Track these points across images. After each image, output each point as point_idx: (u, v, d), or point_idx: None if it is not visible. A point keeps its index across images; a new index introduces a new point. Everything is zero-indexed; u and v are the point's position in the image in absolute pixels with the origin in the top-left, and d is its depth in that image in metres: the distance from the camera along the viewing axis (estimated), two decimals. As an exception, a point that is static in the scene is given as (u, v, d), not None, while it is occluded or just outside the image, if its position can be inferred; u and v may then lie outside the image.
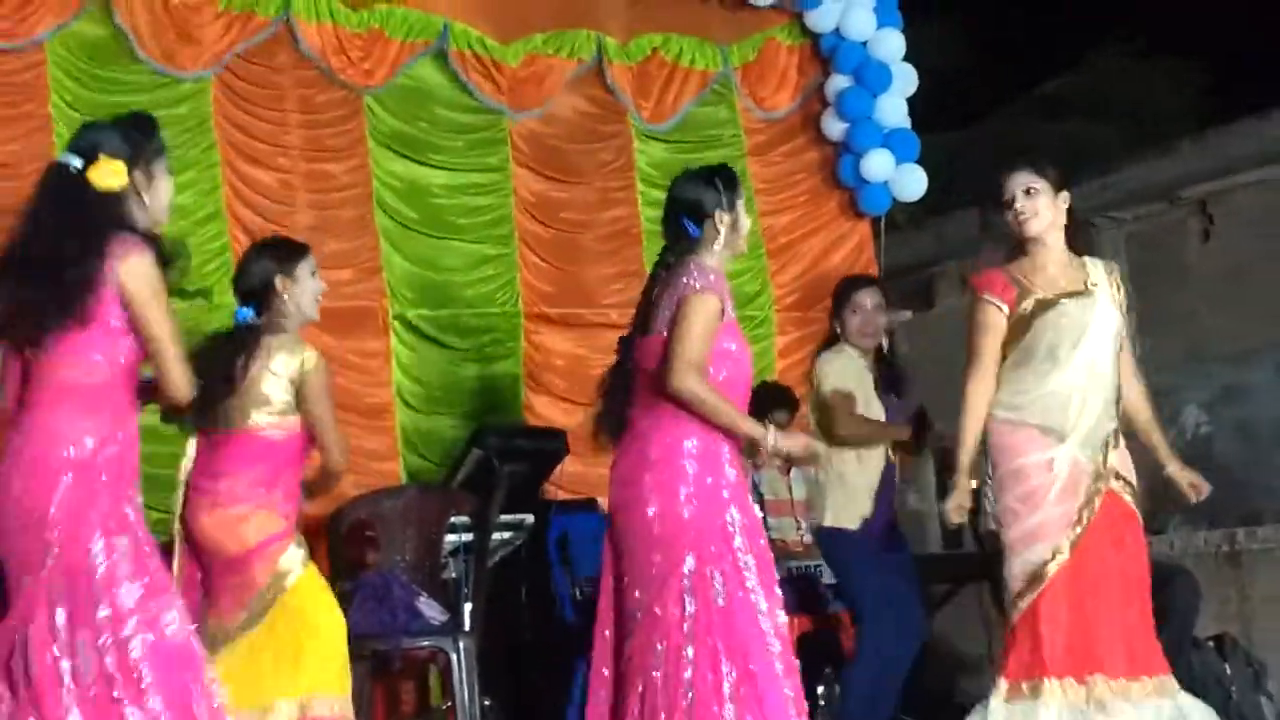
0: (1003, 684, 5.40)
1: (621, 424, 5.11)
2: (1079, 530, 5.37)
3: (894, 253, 9.88)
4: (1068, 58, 16.17)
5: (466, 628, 6.35)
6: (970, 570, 7.56)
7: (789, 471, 7.74)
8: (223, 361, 5.16)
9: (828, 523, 6.45)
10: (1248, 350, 9.28)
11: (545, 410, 8.32)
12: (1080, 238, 5.70)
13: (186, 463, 5.22)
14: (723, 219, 5.13)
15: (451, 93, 8.50)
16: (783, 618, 4.94)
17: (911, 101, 9.38)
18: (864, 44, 9.25)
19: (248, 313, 5.33)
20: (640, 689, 4.88)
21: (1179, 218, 10.02)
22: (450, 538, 6.74)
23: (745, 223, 5.22)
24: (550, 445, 7.47)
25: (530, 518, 7.12)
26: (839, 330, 6.61)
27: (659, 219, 5.36)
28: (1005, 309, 5.51)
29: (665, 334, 4.99)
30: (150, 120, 4.53)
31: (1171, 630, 5.68)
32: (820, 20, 9.28)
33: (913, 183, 9.25)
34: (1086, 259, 5.63)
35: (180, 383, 4.28)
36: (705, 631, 4.82)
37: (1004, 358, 5.54)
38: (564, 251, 8.69)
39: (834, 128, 9.31)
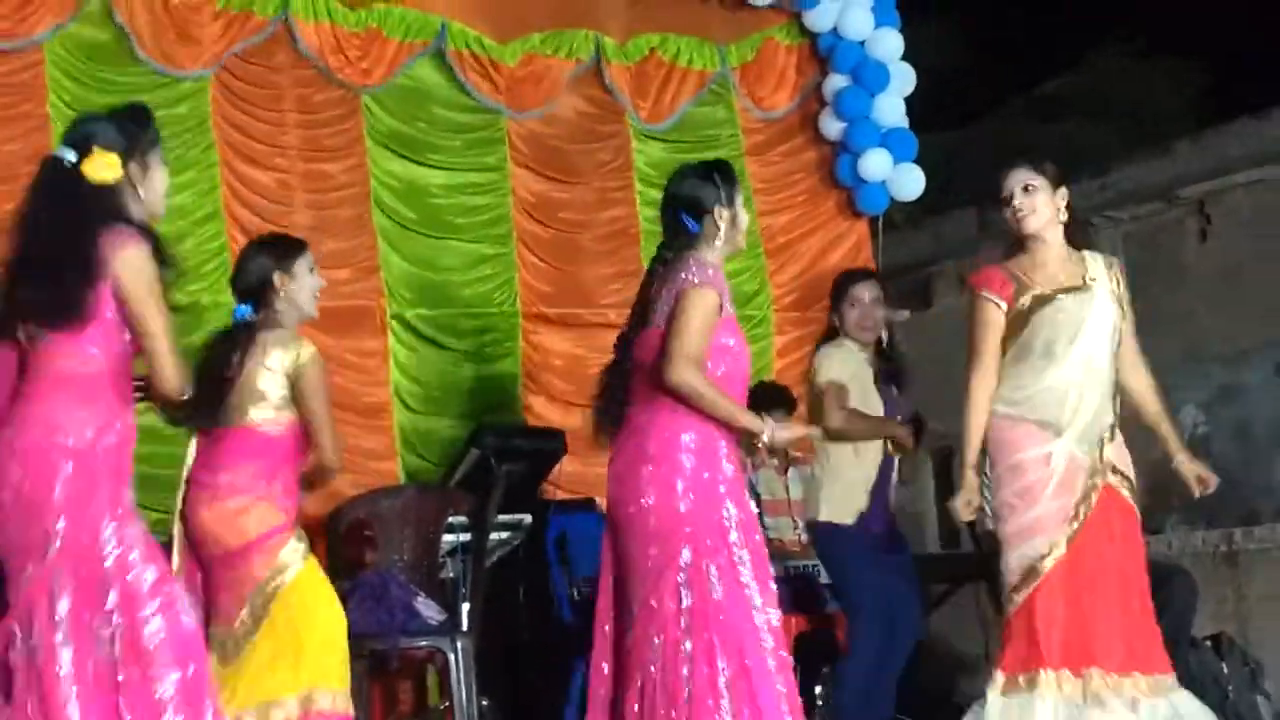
0: (999, 677, 5.43)
1: (620, 420, 5.12)
2: (1076, 526, 5.39)
3: (892, 252, 9.89)
4: (1066, 58, 16.18)
5: (464, 627, 6.36)
6: (968, 570, 7.57)
7: (786, 471, 7.75)
8: (220, 360, 5.17)
9: (823, 517, 6.44)
10: (1245, 350, 9.29)
11: (543, 410, 8.32)
12: (1080, 233, 5.72)
13: (188, 460, 5.22)
14: (722, 215, 5.14)
15: (449, 92, 8.51)
16: (777, 614, 4.96)
17: (909, 101, 9.39)
18: (862, 44, 9.25)
19: (246, 310, 5.34)
20: (639, 683, 4.89)
21: (1176, 218, 10.02)
22: (448, 537, 6.75)
23: (744, 218, 5.22)
24: (548, 445, 7.47)
25: (528, 517, 7.12)
26: (838, 324, 6.61)
27: (657, 219, 5.37)
28: (1003, 305, 5.53)
29: (663, 328, 4.99)
30: (145, 111, 4.52)
31: (1169, 629, 5.67)
32: (818, 20, 9.28)
33: (910, 182, 9.26)
34: (1086, 253, 5.64)
35: (172, 376, 4.27)
36: (701, 625, 4.84)
37: (1003, 353, 5.56)
38: (562, 251, 8.70)
39: (832, 127, 9.31)
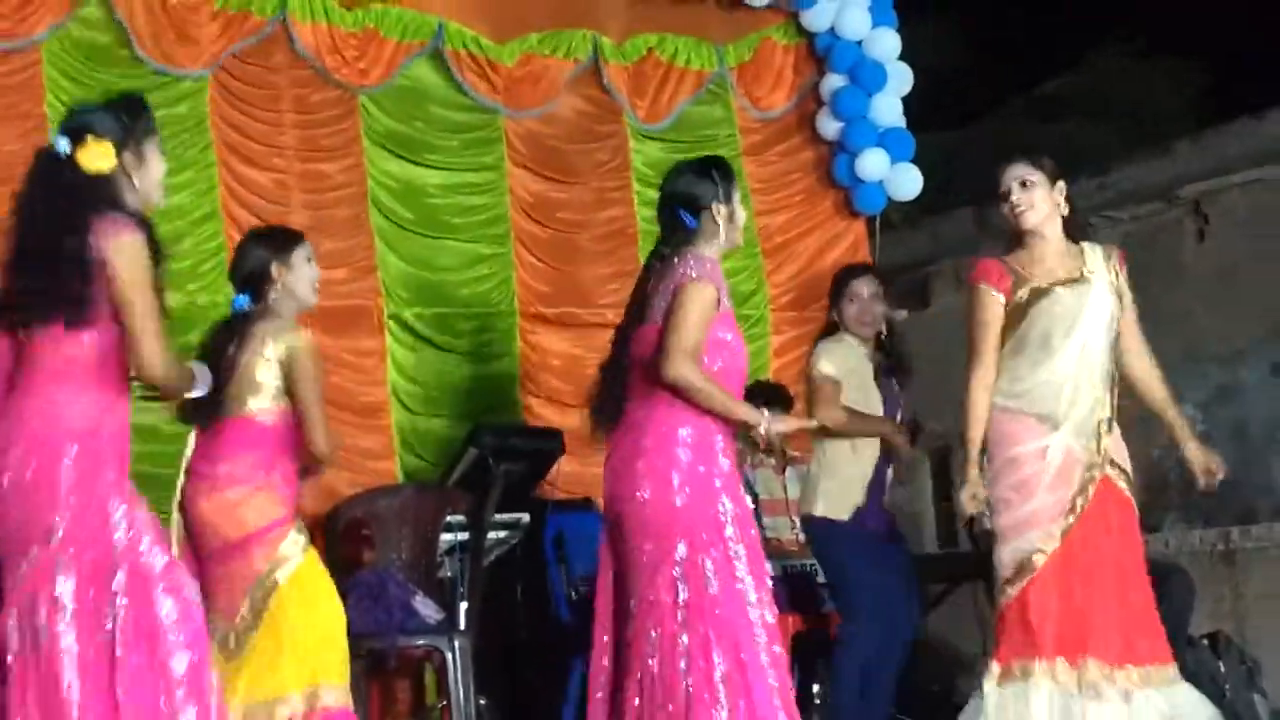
0: (995, 668, 5.45)
1: (617, 415, 5.13)
2: (1071, 519, 5.41)
3: (889, 252, 9.89)
4: (1064, 58, 16.18)
5: (462, 626, 6.37)
6: (966, 570, 7.57)
7: (784, 470, 7.76)
8: (218, 351, 5.18)
9: (818, 512, 6.44)
10: (1242, 350, 9.30)
11: (541, 410, 8.32)
12: (1079, 226, 5.73)
13: (188, 451, 5.22)
14: (720, 211, 5.15)
15: (446, 92, 8.50)
16: (771, 611, 4.97)
17: (907, 101, 9.39)
18: (859, 43, 9.25)
19: (244, 301, 5.34)
20: (638, 677, 4.92)
21: (1175, 217, 10.02)
22: (446, 536, 6.76)
23: (741, 215, 5.25)
24: (546, 444, 7.48)
25: (526, 517, 7.13)
26: (837, 319, 6.61)
27: (655, 219, 5.38)
28: (1002, 298, 5.56)
29: (660, 324, 5.01)
30: (140, 100, 4.52)
31: (1166, 628, 5.68)
32: (815, 20, 9.28)
33: (908, 182, 9.26)
34: (1085, 245, 5.65)
35: (156, 363, 4.24)
36: (697, 620, 4.86)
37: (1001, 346, 5.57)
38: (560, 251, 8.69)
39: (829, 127, 9.31)
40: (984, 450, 5.57)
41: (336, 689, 5.04)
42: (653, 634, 4.90)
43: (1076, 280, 5.56)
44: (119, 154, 4.33)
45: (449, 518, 6.76)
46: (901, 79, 9.34)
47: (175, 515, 5.12)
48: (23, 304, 4.24)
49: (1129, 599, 5.45)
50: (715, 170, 5.25)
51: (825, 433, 6.39)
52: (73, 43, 7.54)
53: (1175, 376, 6.03)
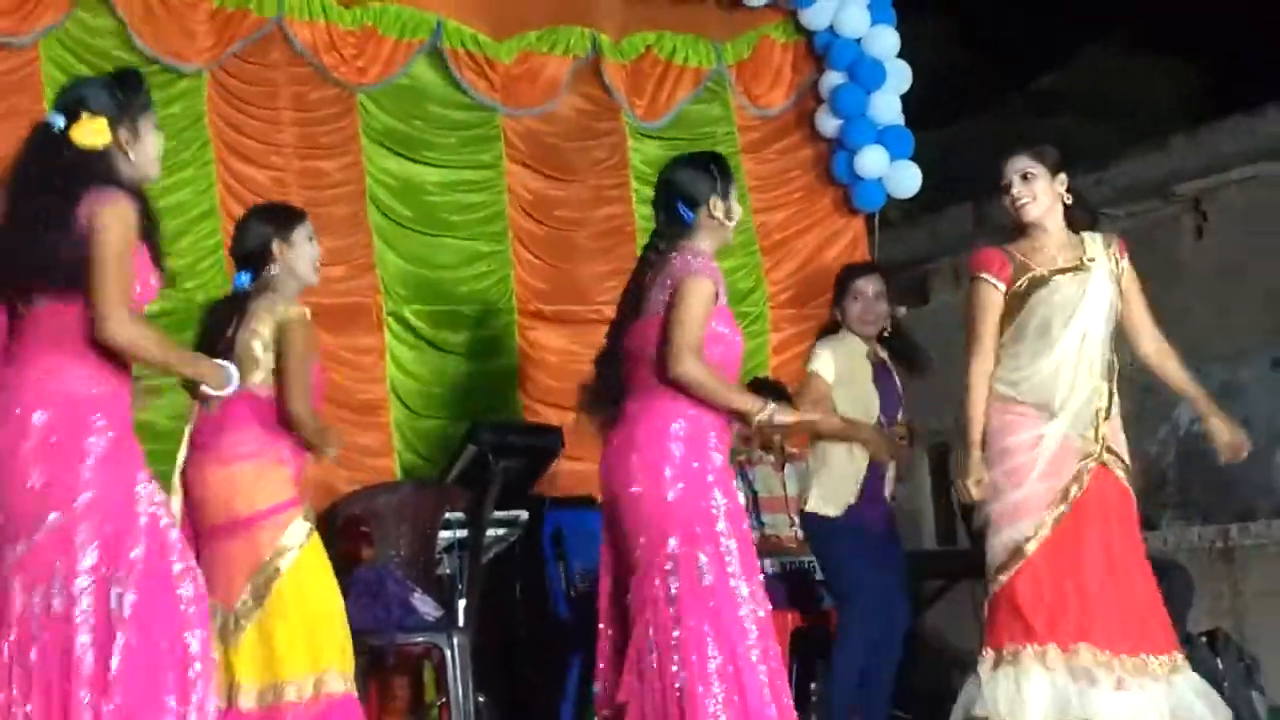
0: (990, 655, 5.46)
1: (613, 407, 5.15)
2: (1063, 507, 5.43)
3: (888, 249, 9.90)
4: (1062, 55, 16.19)
5: (461, 624, 6.36)
6: (964, 566, 7.55)
7: (783, 467, 7.76)
8: (216, 327, 5.17)
9: (810, 508, 6.44)
10: (1241, 347, 9.30)
11: (539, 407, 8.31)
12: (1084, 216, 5.73)
13: (189, 428, 5.19)
14: (717, 206, 5.17)
15: (445, 90, 8.50)
16: (763, 606, 4.99)
17: (905, 98, 9.39)
18: (858, 41, 9.25)
19: (246, 278, 5.33)
20: (637, 671, 4.93)
21: (1173, 214, 10.03)
22: (445, 534, 6.75)
23: (737, 212, 5.26)
24: (545, 442, 7.46)
25: (525, 514, 7.13)
26: (840, 317, 6.61)
27: (653, 216, 5.38)
28: (1001, 287, 5.58)
29: (657, 317, 5.03)
30: (137, 76, 4.51)
31: (1165, 625, 5.70)
32: (814, 18, 9.28)
33: (907, 179, 9.27)
34: (1085, 234, 5.66)
35: (109, 314, 4.13)
36: (689, 613, 4.87)
37: (1000, 334, 5.59)
38: (558, 249, 8.70)
39: (828, 124, 9.32)
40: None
41: (341, 676, 5.04)
42: (649, 628, 4.91)
43: (1077, 269, 5.58)
44: (114, 130, 4.31)
45: (448, 515, 6.75)
46: (900, 76, 9.34)
47: (176, 486, 5.05)
48: (13, 272, 4.21)
49: (1126, 587, 5.46)
50: (714, 165, 5.27)
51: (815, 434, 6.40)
52: (72, 41, 7.53)
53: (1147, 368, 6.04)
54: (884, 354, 6.60)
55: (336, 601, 5.16)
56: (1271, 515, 9.17)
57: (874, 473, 6.43)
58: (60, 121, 4.29)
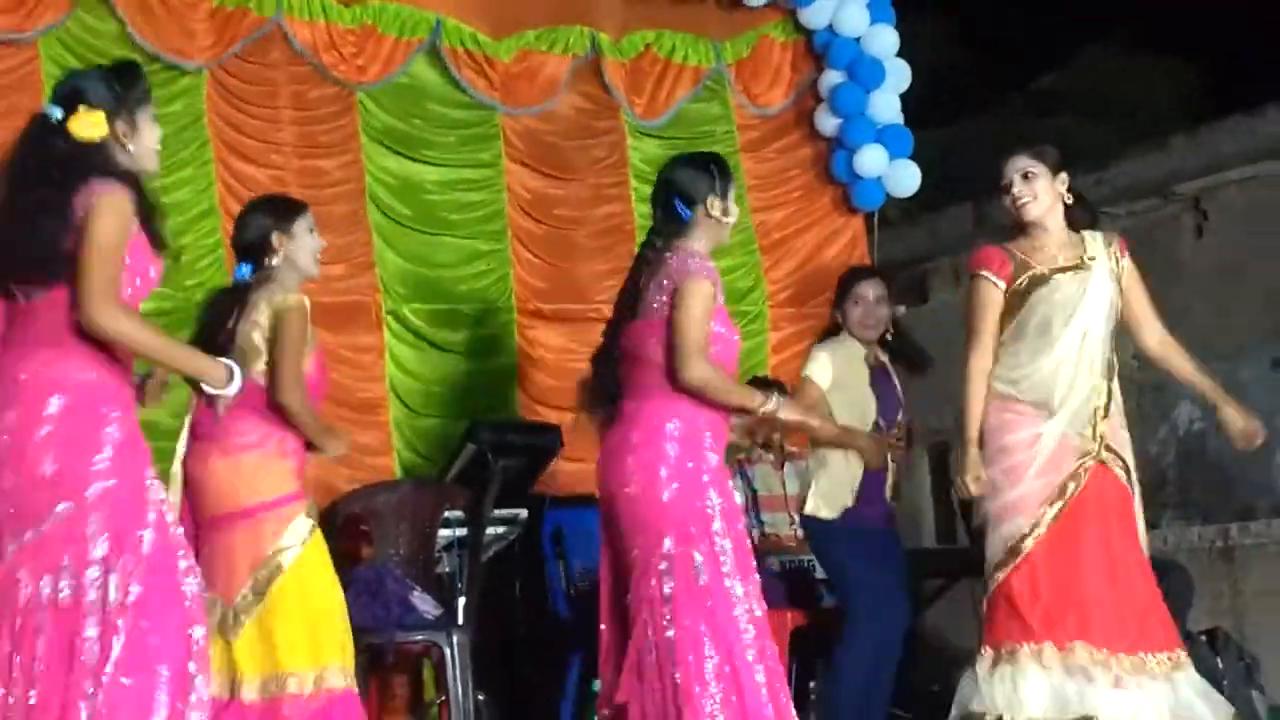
0: (988, 653, 5.47)
1: (611, 408, 5.16)
2: (1060, 504, 5.44)
3: (887, 248, 9.90)
4: (1061, 55, 16.18)
5: (460, 622, 6.36)
6: (964, 565, 7.55)
7: (782, 466, 7.75)
8: (216, 319, 5.17)
9: (808, 511, 6.45)
10: (1241, 346, 9.29)
11: (538, 405, 8.31)
12: (1085, 215, 5.73)
13: (188, 418, 5.18)
14: (714, 205, 5.19)
15: (444, 89, 8.51)
16: (759, 605, 4.99)
17: (905, 97, 9.39)
18: (857, 40, 9.25)
19: (247, 270, 5.32)
20: (636, 671, 4.94)
21: (1172, 213, 10.02)
22: (444, 532, 6.76)
23: (734, 213, 5.29)
24: (544, 440, 7.47)
25: (524, 512, 7.13)
26: (840, 320, 6.60)
27: (651, 215, 5.39)
28: (1001, 285, 5.58)
29: (655, 319, 5.06)
30: (135, 68, 4.50)
31: (1165, 625, 5.71)
32: (814, 17, 9.28)
33: (906, 178, 9.27)
34: (1086, 233, 5.67)
35: (91, 301, 4.08)
36: (685, 613, 4.88)
37: (1000, 333, 5.59)
38: (557, 248, 8.70)
39: (827, 123, 9.32)
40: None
41: (342, 672, 5.03)
42: (647, 629, 4.93)
43: (1077, 267, 5.58)
44: (111, 123, 4.28)
45: (447, 513, 6.76)
46: (899, 76, 9.34)
47: (176, 475, 5.03)
48: (12, 265, 4.19)
49: (1125, 586, 5.47)
50: (714, 166, 5.29)
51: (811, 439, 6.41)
52: (72, 40, 7.53)
53: (1155, 365, 6.04)
54: (884, 357, 6.60)
55: (338, 598, 5.16)
56: (1271, 514, 9.16)
57: (871, 475, 6.42)
58: (58, 113, 4.27)
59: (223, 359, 4.60)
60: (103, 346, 4.18)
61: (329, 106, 8.18)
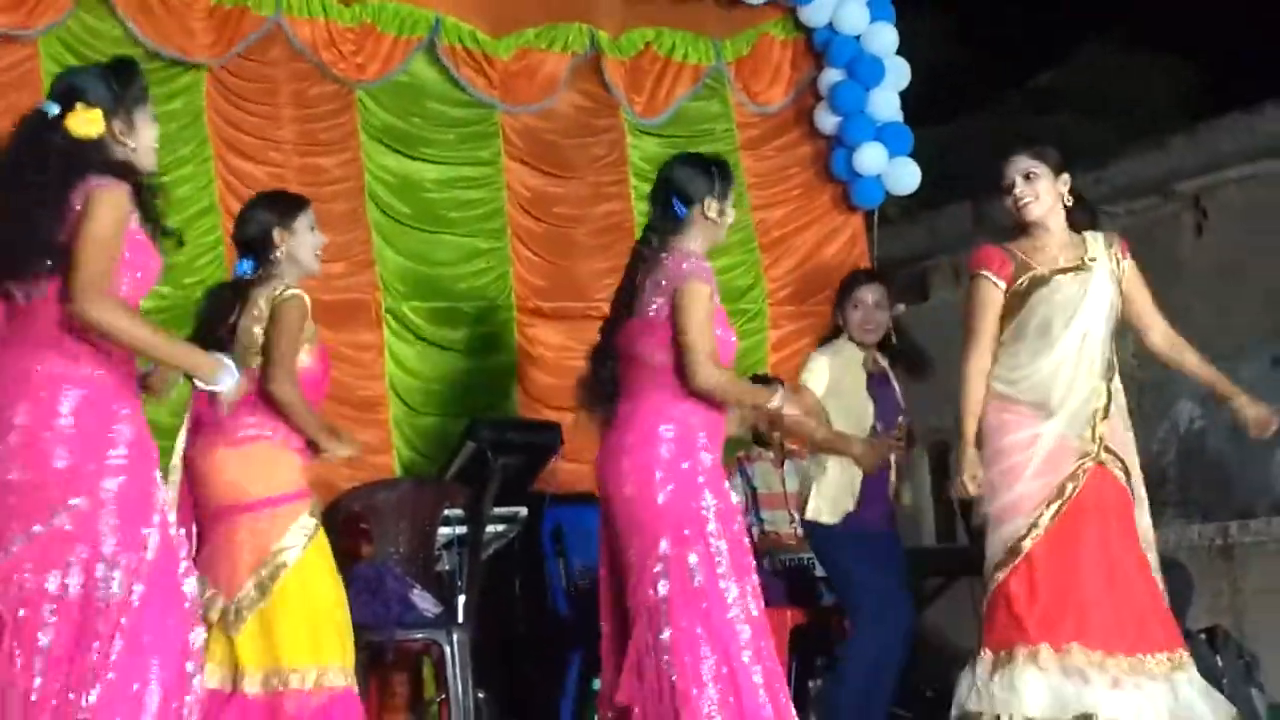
0: (986, 655, 5.47)
1: (609, 404, 5.18)
2: (1059, 505, 5.43)
3: (887, 246, 9.89)
4: (1060, 53, 16.18)
5: (460, 620, 6.36)
6: (963, 564, 7.55)
7: (782, 464, 7.75)
8: (216, 313, 5.16)
9: (809, 516, 6.44)
10: (1241, 344, 9.29)
11: (538, 404, 8.31)
12: (1085, 216, 5.73)
13: (189, 412, 5.17)
14: (711, 206, 5.20)
15: (443, 87, 8.50)
16: (757, 605, 5.00)
17: (904, 96, 9.38)
18: (857, 38, 9.25)
19: (248, 265, 5.32)
20: (636, 672, 4.96)
21: (1172, 212, 10.03)
22: (444, 530, 6.75)
23: (730, 216, 5.30)
24: (544, 438, 7.47)
25: (524, 510, 7.13)
26: (841, 324, 6.60)
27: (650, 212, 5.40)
28: (1001, 285, 5.58)
29: (650, 320, 5.09)
30: (132, 66, 4.47)
31: (1166, 623, 5.70)
32: (813, 15, 9.28)
33: (905, 176, 9.26)
34: (1087, 234, 5.67)
35: (80, 292, 4.05)
36: (681, 614, 4.90)
37: (1000, 333, 5.59)
38: (556, 246, 8.69)
39: (827, 121, 9.31)
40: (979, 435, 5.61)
41: (342, 671, 5.04)
42: (645, 631, 4.95)
43: (1078, 268, 5.58)
44: (108, 121, 4.27)
45: (447, 511, 6.75)
46: (899, 74, 9.34)
47: (175, 467, 5.02)
48: (11, 263, 4.16)
49: (1124, 587, 5.46)
50: (715, 167, 5.31)
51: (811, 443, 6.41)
52: (72, 39, 7.53)
53: (1173, 371, 6.05)
54: (883, 362, 6.59)
55: (340, 597, 5.17)
56: (1271, 513, 9.17)
57: (871, 477, 6.41)
58: (54, 109, 4.26)
59: (219, 354, 4.55)
60: (105, 344, 4.17)
61: (328, 104, 8.18)
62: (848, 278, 6.79)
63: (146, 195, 4.27)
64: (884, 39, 9.27)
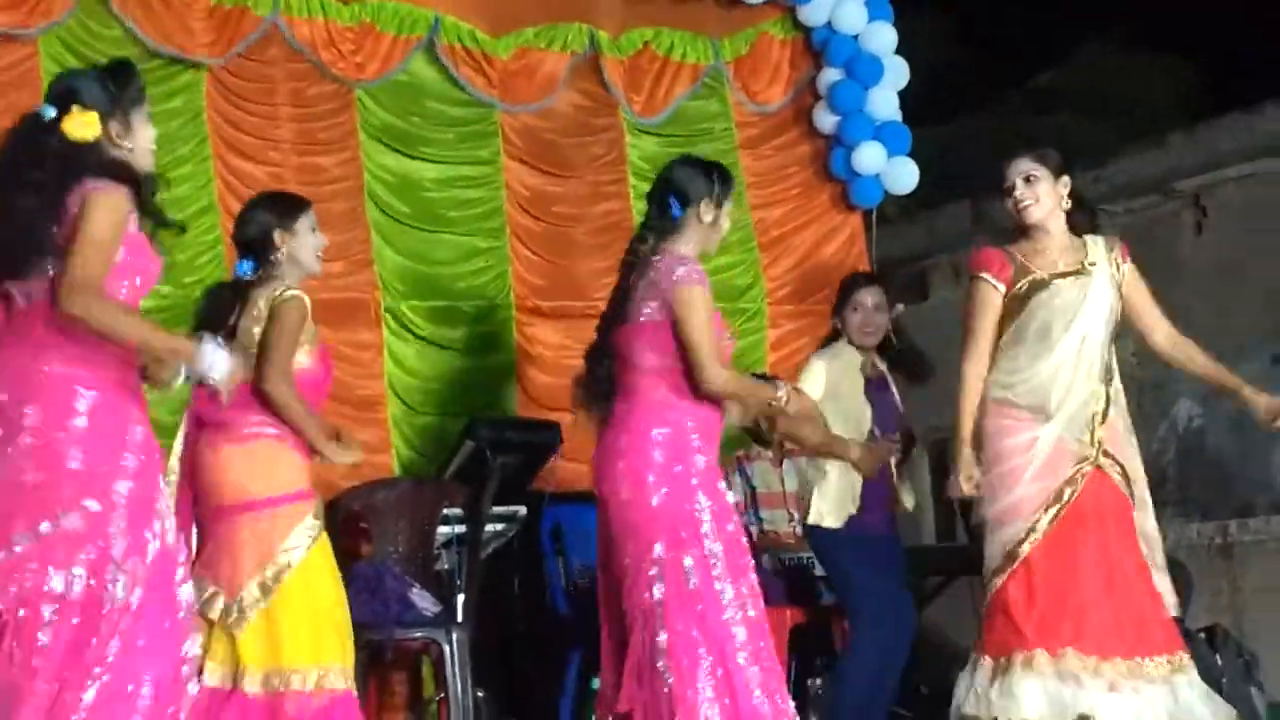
0: (985, 661, 5.47)
1: (606, 403, 5.19)
2: (1058, 509, 5.43)
3: (886, 245, 9.88)
4: (1060, 52, 16.19)
5: (459, 619, 6.37)
6: (963, 562, 7.55)
7: (781, 463, 7.73)
8: (215, 313, 5.16)
9: (811, 520, 6.44)
10: (1241, 343, 9.29)
11: (537, 403, 8.31)
12: (1086, 219, 5.73)
13: (188, 410, 5.16)
14: (707, 210, 5.20)
15: (442, 86, 8.50)
16: (754, 605, 5.01)
17: (903, 95, 9.37)
18: (855, 37, 9.24)
19: (248, 266, 5.32)
20: (635, 674, 4.97)
21: (1172, 211, 10.03)
22: (443, 529, 6.76)
23: (725, 225, 5.30)
24: (543, 437, 7.47)
25: (523, 509, 7.13)
26: (840, 327, 6.60)
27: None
28: (1001, 287, 5.57)
29: (644, 324, 5.11)
30: (129, 68, 4.47)
31: (1164, 622, 5.70)
32: (812, 14, 9.27)
33: (904, 176, 9.25)
34: (1088, 238, 5.67)
35: (68, 287, 4.03)
36: (677, 617, 4.91)
37: (999, 336, 5.58)
38: (556, 245, 8.69)
39: (825, 121, 9.30)
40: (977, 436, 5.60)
41: (342, 673, 5.04)
42: (642, 634, 4.97)
43: (1078, 273, 5.57)
44: (105, 123, 4.26)
45: (446, 510, 6.75)
46: (898, 73, 9.33)
47: (173, 469, 5.01)
48: (10, 265, 4.16)
49: (1122, 591, 5.46)
50: (715, 173, 5.32)
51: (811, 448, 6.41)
52: (71, 38, 7.52)
53: (1173, 370, 6.05)
54: (882, 366, 6.59)
55: (342, 599, 5.17)
56: (1270, 511, 9.18)
57: (871, 481, 6.41)
58: (51, 112, 4.25)
59: (205, 334, 4.51)
60: (107, 345, 4.16)
61: (327, 104, 8.17)
62: (846, 280, 6.79)
63: (146, 191, 4.26)
64: (882, 38, 9.26)
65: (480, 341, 8.36)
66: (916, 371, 6.63)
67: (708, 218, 5.21)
